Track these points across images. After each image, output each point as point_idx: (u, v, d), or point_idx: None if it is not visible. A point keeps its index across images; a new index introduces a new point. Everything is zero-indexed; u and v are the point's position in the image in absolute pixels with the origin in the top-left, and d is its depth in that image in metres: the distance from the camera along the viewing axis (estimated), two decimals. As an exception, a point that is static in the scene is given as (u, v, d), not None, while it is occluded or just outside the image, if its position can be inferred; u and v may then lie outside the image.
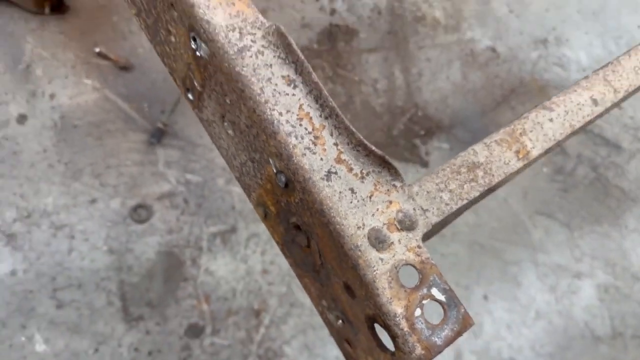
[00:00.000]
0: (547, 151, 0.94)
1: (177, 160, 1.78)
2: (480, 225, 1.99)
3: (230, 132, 0.74)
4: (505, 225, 2.01)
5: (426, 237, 0.86)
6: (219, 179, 1.77)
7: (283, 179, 0.66)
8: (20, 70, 1.75)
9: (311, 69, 0.65)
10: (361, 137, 0.64)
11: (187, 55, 0.75)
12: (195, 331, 1.60)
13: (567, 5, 2.56)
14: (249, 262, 1.70)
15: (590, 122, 1.00)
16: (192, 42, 0.71)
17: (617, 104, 0.97)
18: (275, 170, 0.67)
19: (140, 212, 1.69)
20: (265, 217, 0.78)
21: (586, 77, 0.84)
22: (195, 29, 0.69)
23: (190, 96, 0.81)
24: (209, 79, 0.72)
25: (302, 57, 0.65)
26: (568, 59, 2.42)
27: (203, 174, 1.77)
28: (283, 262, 1.71)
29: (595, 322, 1.92)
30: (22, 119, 1.70)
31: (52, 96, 1.75)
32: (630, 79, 0.86)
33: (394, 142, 2.03)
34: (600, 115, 0.95)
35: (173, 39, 0.77)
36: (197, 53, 0.71)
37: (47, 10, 1.81)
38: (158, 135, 1.79)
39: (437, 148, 2.08)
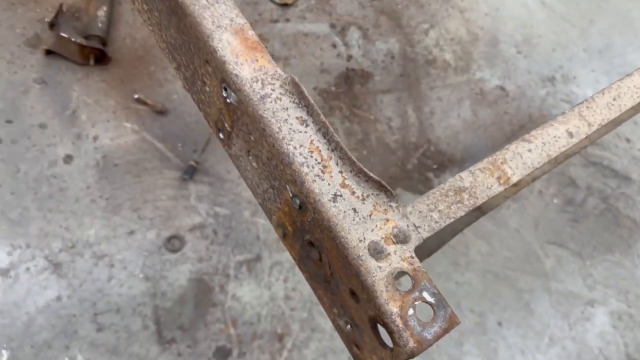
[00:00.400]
0: (534, 178, 1.06)
1: (207, 194, 1.94)
2: (493, 255, 2.08)
3: (254, 164, 0.89)
4: (518, 255, 2.10)
5: (426, 253, 0.98)
6: (245, 211, 1.91)
7: (298, 201, 0.80)
8: (67, 116, 1.95)
9: (319, 111, 0.80)
10: (361, 166, 0.78)
11: (219, 102, 0.90)
12: (223, 353, 1.71)
13: (573, 45, 2.69)
14: (273, 289, 1.82)
15: (575, 152, 1.12)
16: (224, 91, 0.86)
17: (594, 138, 1.09)
18: (291, 195, 0.81)
19: (173, 243, 1.84)
20: (284, 237, 0.91)
21: (563, 114, 0.96)
22: (226, 81, 0.84)
23: (221, 135, 0.96)
24: (237, 120, 0.87)
25: (312, 102, 0.80)
26: (576, 95, 2.53)
27: (230, 206, 1.91)
28: (304, 289, 1.83)
29: (609, 349, 1.96)
30: (68, 159, 1.88)
31: (95, 138, 1.94)
32: (604, 114, 0.98)
33: (408, 175, 2.15)
34: (585, 146, 1.07)
35: (207, 89, 0.93)
36: (228, 100, 0.86)
37: (91, 61, 2.02)
38: (190, 172, 1.95)
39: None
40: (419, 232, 0.79)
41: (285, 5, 2.40)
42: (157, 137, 2.00)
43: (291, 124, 0.80)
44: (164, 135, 2.01)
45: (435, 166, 2.20)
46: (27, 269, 1.71)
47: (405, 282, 0.74)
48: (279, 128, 0.79)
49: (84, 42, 1.99)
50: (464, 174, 0.86)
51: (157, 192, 1.91)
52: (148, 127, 2.01)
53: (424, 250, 0.98)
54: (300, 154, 0.78)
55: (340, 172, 0.79)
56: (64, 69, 2.03)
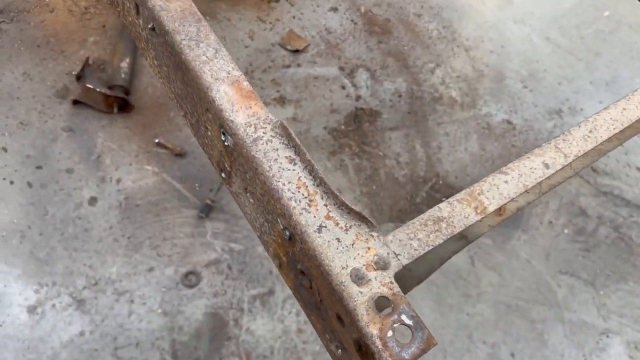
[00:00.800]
0: (518, 208, 1.12)
1: (223, 231, 2.03)
2: (505, 286, 2.10)
3: (251, 200, 0.97)
4: (529, 285, 2.11)
5: (416, 281, 1.04)
6: (258, 246, 1.99)
7: (287, 233, 0.88)
8: (93, 160, 2.09)
9: (305, 150, 0.88)
10: (343, 199, 0.86)
11: (220, 145, 1.00)
12: (237, 386, 1.76)
13: (580, 78, 2.75)
14: (286, 322, 1.88)
15: (560, 181, 1.18)
16: (222, 136, 0.96)
17: (578, 168, 1.15)
18: (282, 227, 0.89)
19: (190, 278, 1.93)
20: (280, 267, 0.99)
21: (539, 147, 1.03)
22: (223, 126, 0.94)
23: (223, 175, 1.05)
24: (235, 161, 0.96)
25: (299, 142, 0.89)
26: (583, 126, 2.57)
27: (244, 242, 2.00)
28: (316, 322, 1.88)
29: (626, 380, 1.94)
30: (93, 201, 2.01)
31: (118, 181, 2.07)
32: (580, 146, 1.04)
33: (417, 209, 2.21)
34: (570, 176, 1.13)
35: (209, 134, 1.03)
36: (226, 143, 0.96)
37: (115, 109, 2.17)
38: (207, 210, 2.05)
39: (459, 214, 2.24)
40: (399, 259, 0.85)
41: (296, 51, 2.53)
42: (176, 178, 2.12)
43: (280, 162, 0.89)
44: (183, 176, 2.12)
45: (443, 199, 2.25)
46: (53, 305, 1.81)
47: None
48: (270, 167, 0.88)
49: (108, 92, 2.14)
50: (443, 205, 0.93)
51: (175, 230, 2.01)
52: (168, 169, 2.13)
53: (414, 278, 1.04)
54: (289, 189, 0.86)
55: (325, 205, 0.86)
56: (90, 117, 2.18)
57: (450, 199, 0.94)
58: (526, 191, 1.08)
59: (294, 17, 2.65)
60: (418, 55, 2.65)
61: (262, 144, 0.90)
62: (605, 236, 2.27)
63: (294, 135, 0.90)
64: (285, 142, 0.91)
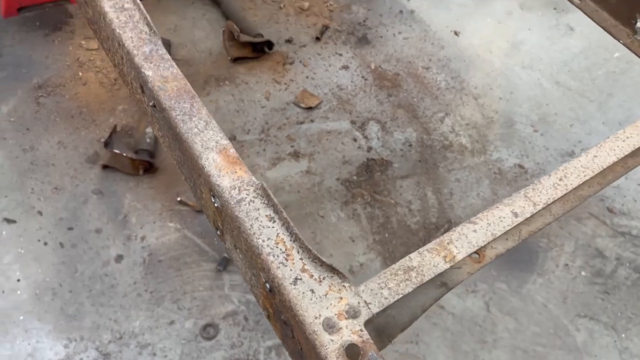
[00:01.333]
0: (497, 254, 1.17)
1: (240, 283, 2.12)
2: (521, 331, 2.09)
3: (240, 255, 1.06)
4: (547, 330, 2.09)
5: (399, 328, 1.10)
6: (273, 298, 2.06)
7: (268, 286, 0.96)
8: (120, 220, 2.24)
9: (282, 209, 0.98)
10: (317, 254, 0.94)
11: (212, 206, 1.10)
12: None
13: (592, 119, 2.77)
14: (300, 372, 1.92)
15: (540, 228, 1.23)
16: (212, 198, 1.07)
17: (553, 214, 1.19)
18: (264, 280, 0.97)
19: (209, 330, 2.01)
20: (269, 317, 1.06)
21: (509, 197, 1.09)
22: (212, 189, 1.04)
23: (218, 232, 1.15)
24: (224, 220, 1.06)
25: (276, 202, 0.98)
26: (597, 167, 2.57)
27: (259, 294, 2.07)
28: (330, 371, 1.91)
29: None
30: (119, 258, 2.14)
31: (142, 238, 2.20)
32: (549, 194, 1.10)
33: (429, 256, 2.24)
34: (550, 222, 1.17)
35: (204, 196, 1.14)
36: (215, 205, 1.06)
37: (141, 171, 2.34)
38: (224, 264, 2.15)
39: (472, 259, 2.26)
40: (369, 308, 0.92)
41: (309, 108, 2.67)
42: (196, 234, 2.23)
43: (261, 221, 0.98)
44: (203, 231, 2.24)
45: (456, 245, 2.29)
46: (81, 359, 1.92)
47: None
48: (251, 225, 0.97)
49: (134, 156, 2.31)
50: (413, 255, 0.99)
51: (195, 284, 2.11)
52: (189, 225, 2.25)
53: (397, 325, 1.09)
54: (268, 245, 0.95)
55: (301, 258, 0.95)
56: (118, 180, 2.35)
57: (420, 249, 1.01)
58: (506, 238, 1.14)
59: (307, 77, 2.80)
60: (427, 105, 2.75)
61: (245, 204, 1.00)
62: (625, 277, 2.23)
63: (272, 196, 1.00)
64: (265, 202, 1.00)
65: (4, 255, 2.09)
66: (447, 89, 2.82)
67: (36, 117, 2.48)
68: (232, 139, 2.54)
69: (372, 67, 2.88)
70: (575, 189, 1.21)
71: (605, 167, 1.16)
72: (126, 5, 1.24)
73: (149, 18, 1.22)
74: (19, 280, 2.04)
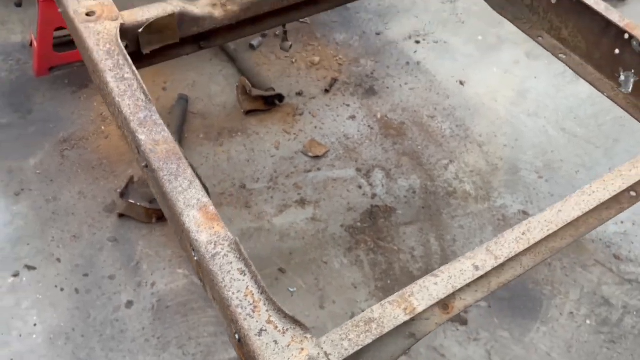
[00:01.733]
0: (466, 306, 1.21)
1: (243, 330, 2.18)
2: (524, 381, 2.07)
3: (217, 306, 1.14)
4: (550, 380, 2.07)
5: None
6: (274, 344, 2.11)
7: (237, 336, 1.03)
8: (132, 267, 2.35)
9: (252, 263, 1.06)
10: (281, 306, 1.01)
11: (193, 259, 1.19)
12: None
13: (598, 165, 2.78)
14: (298, 419, 1.94)
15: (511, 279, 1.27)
16: (192, 252, 1.15)
17: (523, 266, 1.23)
18: (234, 331, 1.04)
19: (211, 376, 2.06)
20: (244, 366, 1.13)
21: (472, 250, 1.14)
22: (192, 244, 1.13)
23: (201, 283, 1.23)
24: (203, 273, 1.15)
25: (247, 257, 1.06)
26: (603, 213, 2.57)
27: (261, 340, 2.13)
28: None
29: None
30: (129, 304, 2.24)
31: (152, 284, 2.30)
32: (511, 248, 1.15)
33: (430, 303, 2.26)
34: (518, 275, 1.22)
35: (188, 249, 1.23)
36: (195, 258, 1.15)
37: (154, 220, 2.46)
38: (229, 310, 2.22)
39: (475, 306, 2.27)
40: (329, 359, 0.97)
41: (317, 157, 2.78)
42: (203, 280, 2.32)
43: (233, 274, 1.06)
44: (209, 278, 2.32)
45: (458, 292, 2.30)
46: (89, 402, 1.99)
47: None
48: (223, 278, 1.05)
49: (148, 205, 2.44)
50: (375, 307, 1.05)
51: (200, 330, 2.18)
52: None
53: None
54: (237, 297, 1.03)
55: (267, 310, 1.02)
56: (133, 228, 2.47)
57: (383, 301, 1.06)
58: (475, 290, 1.19)
59: (315, 127, 2.92)
60: (431, 153, 2.81)
61: (220, 258, 1.08)
62: (632, 326, 2.20)
63: (243, 250, 1.08)
64: (238, 256, 1.09)
65: (23, 300, 2.21)
66: (451, 136, 2.89)
67: (60, 169, 2.66)
68: (242, 187, 2.65)
69: (379, 116, 2.98)
70: (546, 241, 1.25)
71: (569, 221, 1.20)
72: (126, 76, 1.37)
73: (145, 87, 1.35)
74: (35, 324, 2.15)
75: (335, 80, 3.15)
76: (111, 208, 2.54)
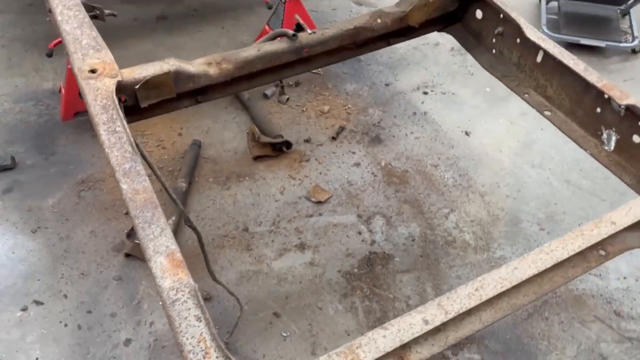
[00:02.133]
0: (421, 359, 1.24)
1: (235, 372, 2.22)
2: None
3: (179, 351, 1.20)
4: None
5: None
6: (262, 388, 2.14)
7: (190, 381, 1.09)
8: (134, 305, 2.44)
9: (207, 310, 1.12)
10: (227, 352, 1.06)
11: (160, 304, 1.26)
12: None
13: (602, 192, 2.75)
14: None
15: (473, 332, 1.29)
16: (159, 297, 1.23)
17: (482, 322, 1.25)
18: (188, 375, 1.10)
19: (199, 418, 2.10)
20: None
21: (423, 305, 1.18)
22: (157, 289, 1.21)
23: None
24: (166, 317, 1.22)
25: (203, 303, 1.13)
26: (606, 268, 2.54)
27: (250, 384, 2.16)
28: None
29: None
30: (127, 342, 2.32)
31: (151, 324, 2.38)
32: (463, 303, 1.17)
33: (420, 354, 2.26)
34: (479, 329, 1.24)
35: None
36: (160, 303, 1.22)
37: (157, 260, 2.55)
38: (222, 352, 2.27)
39: (468, 359, 2.25)
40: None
41: (319, 202, 2.85)
42: (200, 321, 2.38)
43: (189, 320, 1.13)
44: (206, 319, 2.38)
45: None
46: None
47: None
48: (179, 324, 1.12)
49: (152, 245, 2.54)
50: (322, 358, 1.09)
51: (193, 370, 2.23)
52: (194, 313, 2.41)
53: None
54: (190, 343, 1.09)
55: (217, 357, 1.07)
56: (137, 267, 2.57)
57: (330, 352, 1.11)
58: (432, 344, 1.22)
59: (320, 173, 3.00)
60: (433, 201, 2.84)
61: (179, 304, 1.15)
62: (631, 387, 2.13)
63: (200, 297, 1.15)
64: (196, 302, 1.16)
65: (28, 334, 2.32)
66: (454, 186, 2.92)
67: (75, 208, 2.81)
68: (245, 230, 2.73)
69: (382, 164, 3.04)
70: (507, 297, 1.28)
71: (523, 279, 1.22)
72: (117, 129, 1.49)
73: (132, 139, 1.46)
74: (37, 359, 2.25)
75: (342, 128, 3.25)
76: (119, 247, 2.66)
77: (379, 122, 3.29)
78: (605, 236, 1.33)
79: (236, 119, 3.35)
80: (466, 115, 3.32)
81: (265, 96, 3.46)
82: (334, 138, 3.20)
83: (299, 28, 3.62)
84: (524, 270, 1.24)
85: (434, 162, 3.05)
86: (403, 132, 3.22)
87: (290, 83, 3.56)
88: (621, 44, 3.72)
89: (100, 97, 1.58)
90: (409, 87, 3.53)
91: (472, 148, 3.12)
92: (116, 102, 1.55)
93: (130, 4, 4.23)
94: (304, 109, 3.40)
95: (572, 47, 3.86)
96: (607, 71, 3.67)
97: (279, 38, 1.91)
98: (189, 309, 1.14)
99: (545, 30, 3.81)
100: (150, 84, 1.71)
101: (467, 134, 3.20)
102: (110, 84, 1.60)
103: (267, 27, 3.60)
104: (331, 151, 3.13)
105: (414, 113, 3.34)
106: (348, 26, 1.96)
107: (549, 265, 1.25)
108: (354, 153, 3.12)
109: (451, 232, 2.71)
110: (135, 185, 1.38)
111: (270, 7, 3.64)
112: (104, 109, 1.54)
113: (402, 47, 3.83)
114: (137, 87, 1.68)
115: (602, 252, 1.40)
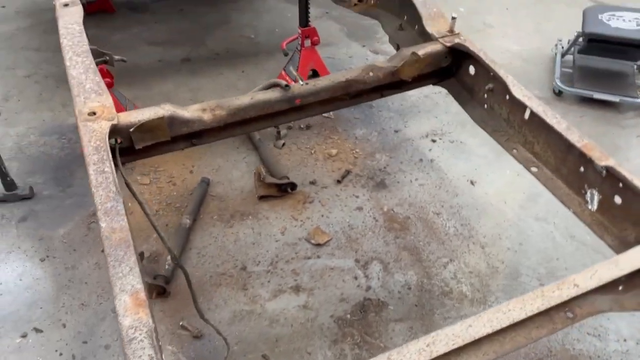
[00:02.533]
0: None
1: (218, 413, 2.22)
2: None
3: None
4: None
5: None
6: None
7: (135, 418, 1.12)
8: (128, 338, 2.49)
9: (161, 350, 1.16)
10: (173, 393, 1.09)
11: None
12: None
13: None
14: None
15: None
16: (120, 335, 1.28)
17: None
18: (135, 413, 1.14)
19: None
20: None
21: (373, 357, 1.18)
22: (118, 327, 1.26)
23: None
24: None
25: (158, 344, 1.17)
26: (605, 328, 2.46)
27: None
28: None
29: None
30: (117, 374, 2.36)
31: (142, 357, 2.42)
32: (412, 358, 1.18)
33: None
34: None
35: (125, 330, 1.35)
36: (119, 341, 1.27)
37: (154, 295, 2.62)
38: (208, 391, 2.29)
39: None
40: None
41: (319, 244, 2.88)
42: (189, 359, 2.41)
43: (143, 359, 1.17)
44: (195, 357, 2.42)
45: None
46: None
47: None
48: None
49: (149, 281, 2.61)
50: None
51: (177, 408, 2.25)
52: (185, 350, 2.45)
53: None
54: (140, 382, 1.13)
55: (163, 397, 1.11)
56: (136, 300, 2.64)
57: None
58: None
59: (322, 215, 3.04)
60: (432, 250, 2.84)
61: (135, 343, 1.20)
62: None
63: (155, 338, 1.19)
64: (151, 343, 1.20)
65: (23, 361, 2.40)
66: (455, 235, 2.91)
67: (84, 240, 2.92)
68: (243, 269, 2.78)
69: (385, 209, 3.06)
70: (461, 356, 1.27)
71: (476, 337, 1.22)
72: (105, 170, 1.59)
73: (116, 181, 1.55)
74: (29, 385, 2.32)
75: (348, 172, 3.30)
76: (120, 280, 2.73)
77: (385, 167, 3.33)
78: (567, 298, 1.31)
79: (246, 158, 3.45)
80: (473, 164, 3.33)
81: (278, 137, 3.55)
82: (339, 181, 3.25)
83: (315, 74, 3.74)
84: (478, 328, 1.24)
85: (437, 209, 3.05)
86: (408, 179, 3.25)
87: (302, 126, 3.65)
88: (636, 100, 3.68)
89: (94, 138, 1.68)
90: (418, 134, 3.57)
91: (477, 197, 3.11)
92: (107, 144, 1.64)
93: (156, 46, 4.46)
94: (313, 151, 3.47)
95: (586, 101, 3.85)
96: (620, 126, 3.64)
97: (272, 87, 2.00)
98: (144, 348, 1.19)
99: (559, 83, 3.82)
100: (145, 127, 1.80)
101: (472, 183, 3.20)
102: (106, 127, 1.70)
103: (283, 73, 3.74)
104: (335, 194, 3.18)
105: (421, 160, 3.37)
106: (340, 78, 2.03)
107: (504, 325, 1.24)
108: (357, 197, 3.15)
109: (448, 283, 2.68)
110: (114, 224, 1.45)
111: (286, 54, 3.79)
112: (96, 150, 1.64)
113: (414, 95, 3.89)
114: (131, 130, 1.78)
115: (570, 315, 1.38)
